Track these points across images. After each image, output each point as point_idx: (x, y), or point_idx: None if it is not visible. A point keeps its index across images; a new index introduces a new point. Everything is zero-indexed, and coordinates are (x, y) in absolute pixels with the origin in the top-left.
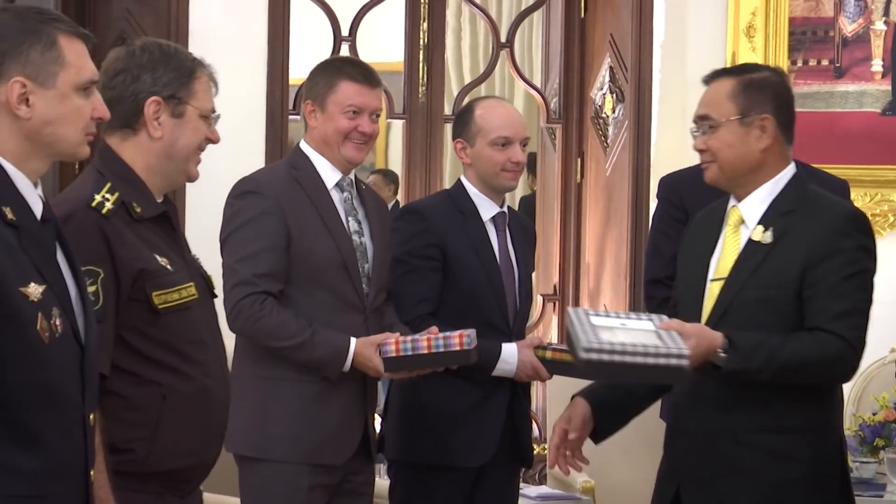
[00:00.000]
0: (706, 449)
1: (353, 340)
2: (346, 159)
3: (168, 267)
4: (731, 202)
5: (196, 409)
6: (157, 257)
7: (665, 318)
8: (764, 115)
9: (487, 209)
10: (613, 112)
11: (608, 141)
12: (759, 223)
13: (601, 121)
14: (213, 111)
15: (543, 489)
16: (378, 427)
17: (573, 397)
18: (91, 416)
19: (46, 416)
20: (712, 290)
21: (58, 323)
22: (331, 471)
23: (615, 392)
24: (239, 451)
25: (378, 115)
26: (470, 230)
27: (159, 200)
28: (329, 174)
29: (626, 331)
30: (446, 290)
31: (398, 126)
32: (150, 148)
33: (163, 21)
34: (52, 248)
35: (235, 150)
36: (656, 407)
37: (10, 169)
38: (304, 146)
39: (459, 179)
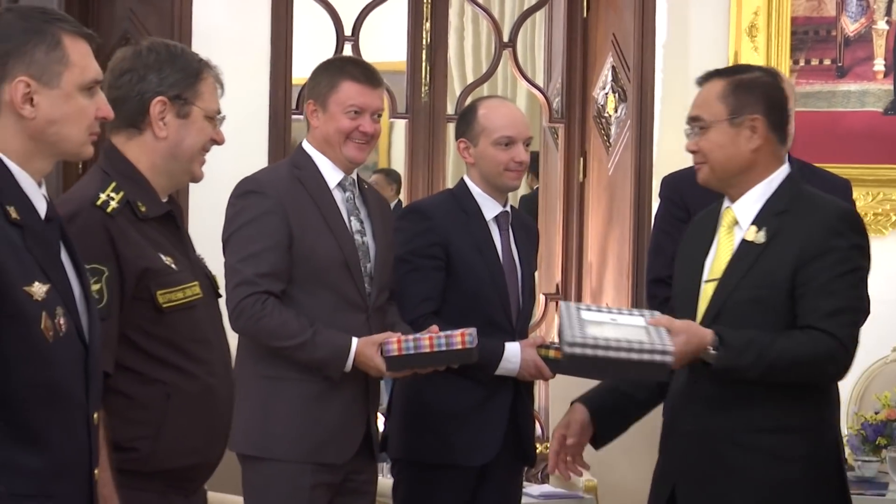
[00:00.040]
0: (701, 449)
1: (354, 340)
2: (347, 159)
3: (172, 266)
4: (725, 203)
5: (200, 408)
6: (162, 256)
7: (657, 314)
8: (754, 115)
9: (490, 209)
10: (616, 111)
11: (611, 140)
12: (752, 223)
13: (603, 120)
14: (219, 112)
15: (546, 488)
16: (381, 426)
17: (572, 403)
18: (95, 415)
19: (50, 415)
20: (706, 291)
21: (62, 322)
22: (333, 469)
23: (614, 397)
24: (241, 450)
25: (380, 115)
26: (473, 229)
27: (164, 200)
28: (331, 174)
29: (614, 326)
30: (449, 290)
31: (401, 126)
32: (155, 148)
33: (166, 21)
34: (56, 248)
35: (238, 150)
36: (659, 406)
37: (15, 168)
38: (306, 146)
39: (462, 179)
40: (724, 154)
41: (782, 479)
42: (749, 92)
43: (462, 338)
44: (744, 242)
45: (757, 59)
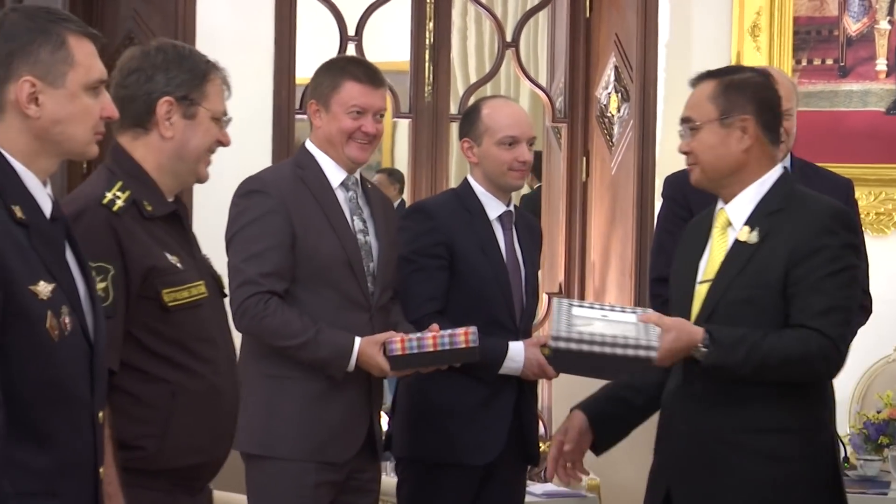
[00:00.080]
0: (696, 450)
1: (357, 340)
2: (349, 159)
3: (178, 265)
4: (719, 204)
5: (206, 406)
6: (168, 255)
7: (650, 311)
8: (744, 115)
9: (494, 208)
10: (618, 111)
11: (613, 140)
12: (745, 224)
13: (606, 120)
14: (225, 114)
15: (549, 486)
16: (385, 425)
17: (572, 409)
18: (100, 414)
19: (56, 414)
20: (700, 292)
21: (67, 321)
22: (337, 468)
23: (614, 403)
24: (245, 448)
25: (382, 116)
26: (477, 229)
27: (170, 200)
28: (334, 173)
29: (604, 322)
30: (453, 289)
31: (404, 125)
32: (161, 147)
33: (170, 21)
34: (62, 247)
35: (242, 150)
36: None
37: (20, 168)
38: (309, 145)
39: (466, 178)
40: (715, 154)
41: (777, 480)
42: (739, 92)
43: (465, 337)
44: (737, 243)
45: (759, 59)
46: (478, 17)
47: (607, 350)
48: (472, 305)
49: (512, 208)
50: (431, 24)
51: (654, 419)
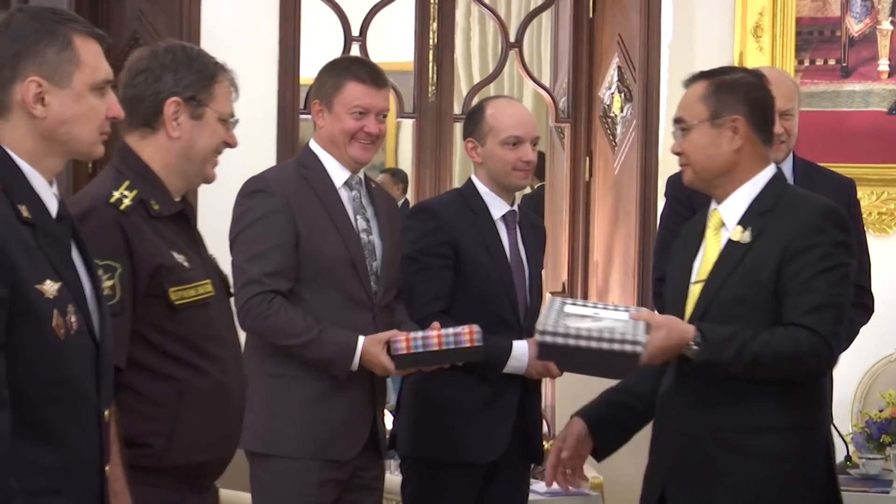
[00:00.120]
0: (690, 450)
1: (360, 339)
2: (352, 159)
3: (185, 264)
4: (713, 205)
5: (213, 404)
6: (175, 254)
7: (643, 309)
8: (735, 115)
9: (498, 208)
10: (622, 111)
11: (616, 140)
12: (737, 224)
13: (609, 120)
14: (232, 115)
15: (553, 485)
16: (390, 424)
17: (572, 417)
18: (106, 412)
19: (62, 412)
20: (693, 292)
21: (73, 320)
22: (340, 466)
23: (613, 409)
24: (249, 447)
25: (385, 116)
26: (481, 228)
27: (177, 200)
28: (338, 173)
29: (595, 319)
30: (458, 288)
31: (408, 125)
32: (168, 148)
33: (175, 21)
34: (68, 246)
35: (247, 150)
36: None
37: (26, 167)
38: (313, 145)
39: (470, 178)
40: (706, 155)
41: (771, 479)
42: (730, 92)
43: (470, 335)
44: (730, 243)
45: (762, 60)
46: (481, 18)
47: (593, 344)
48: (477, 305)
49: (516, 208)
50: (435, 25)
51: None
